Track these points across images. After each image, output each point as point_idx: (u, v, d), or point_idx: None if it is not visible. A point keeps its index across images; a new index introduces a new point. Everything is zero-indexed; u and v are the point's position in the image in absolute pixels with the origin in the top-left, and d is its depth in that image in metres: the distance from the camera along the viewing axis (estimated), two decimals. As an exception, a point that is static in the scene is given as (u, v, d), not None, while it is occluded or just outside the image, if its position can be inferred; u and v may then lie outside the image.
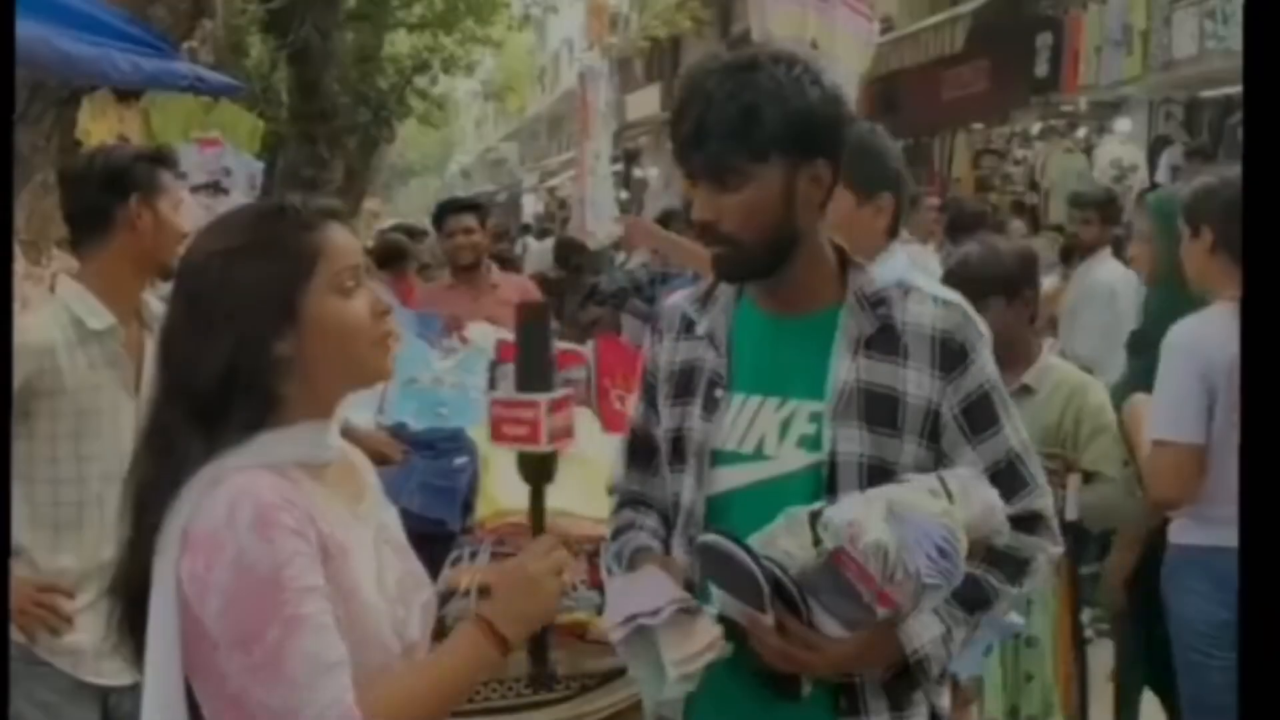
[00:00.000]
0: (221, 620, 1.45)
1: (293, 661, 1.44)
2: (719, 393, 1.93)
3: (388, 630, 1.56)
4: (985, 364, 1.91)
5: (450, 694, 1.58)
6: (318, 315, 1.54)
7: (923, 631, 1.83)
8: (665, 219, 7.50)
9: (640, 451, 2.09)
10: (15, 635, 2.56)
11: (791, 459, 1.89)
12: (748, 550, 1.76)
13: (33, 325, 2.59)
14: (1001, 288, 3.18)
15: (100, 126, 5.69)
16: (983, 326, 1.94)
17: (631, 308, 6.35)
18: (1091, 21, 11.08)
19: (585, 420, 3.11)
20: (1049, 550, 1.96)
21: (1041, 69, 11.69)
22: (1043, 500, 1.96)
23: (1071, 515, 3.14)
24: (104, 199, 2.71)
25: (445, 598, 2.53)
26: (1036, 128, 12.78)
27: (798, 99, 1.81)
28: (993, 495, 1.83)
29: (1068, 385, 3.21)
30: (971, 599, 1.86)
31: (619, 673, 2.79)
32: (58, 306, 2.69)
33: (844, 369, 1.88)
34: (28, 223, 4.87)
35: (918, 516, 1.73)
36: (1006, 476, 1.90)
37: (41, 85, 5.16)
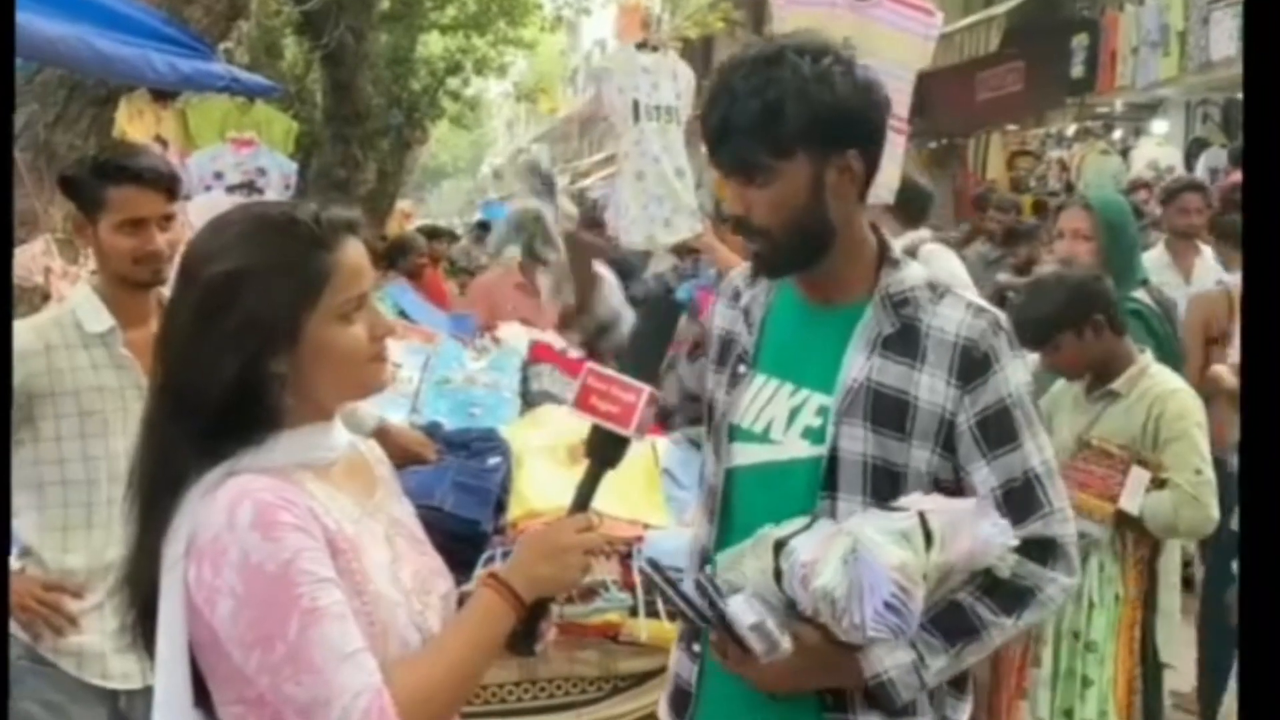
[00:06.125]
0: (236, 623, 1.44)
1: (318, 652, 1.43)
2: (742, 369, 1.96)
3: (405, 622, 1.56)
4: (1010, 377, 1.84)
5: (467, 663, 1.57)
6: (319, 341, 1.54)
7: (886, 658, 1.78)
8: None
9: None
10: (21, 634, 2.56)
11: (794, 447, 1.89)
12: (676, 588, 1.81)
13: (20, 330, 2.58)
14: (1066, 325, 3.23)
15: (137, 127, 5.72)
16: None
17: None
18: (1128, 22, 11.00)
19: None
20: (1060, 581, 1.85)
21: (1077, 70, 11.61)
22: (1060, 527, 1.85)
23: (1128, 506, 3.14)
24: (78, 208, 2.70)
25: (478, 597, 2.53)
26: (1072, 129, 12.70)
27: (823, 93, 1.77)
28: (990, 529, 1.76)
29: (1153, 393, 3.23)
30: (953, 628, 1.80)
31: (651, 674, 2.79)
32: (64, 309, 2.70)
33: (856, 366, 1.85)
34: (64, 223, 4.90)
35: (874, 565, 1.69)
36: (1021, 496, 1.83)
37: (79, 85, 5.17)
